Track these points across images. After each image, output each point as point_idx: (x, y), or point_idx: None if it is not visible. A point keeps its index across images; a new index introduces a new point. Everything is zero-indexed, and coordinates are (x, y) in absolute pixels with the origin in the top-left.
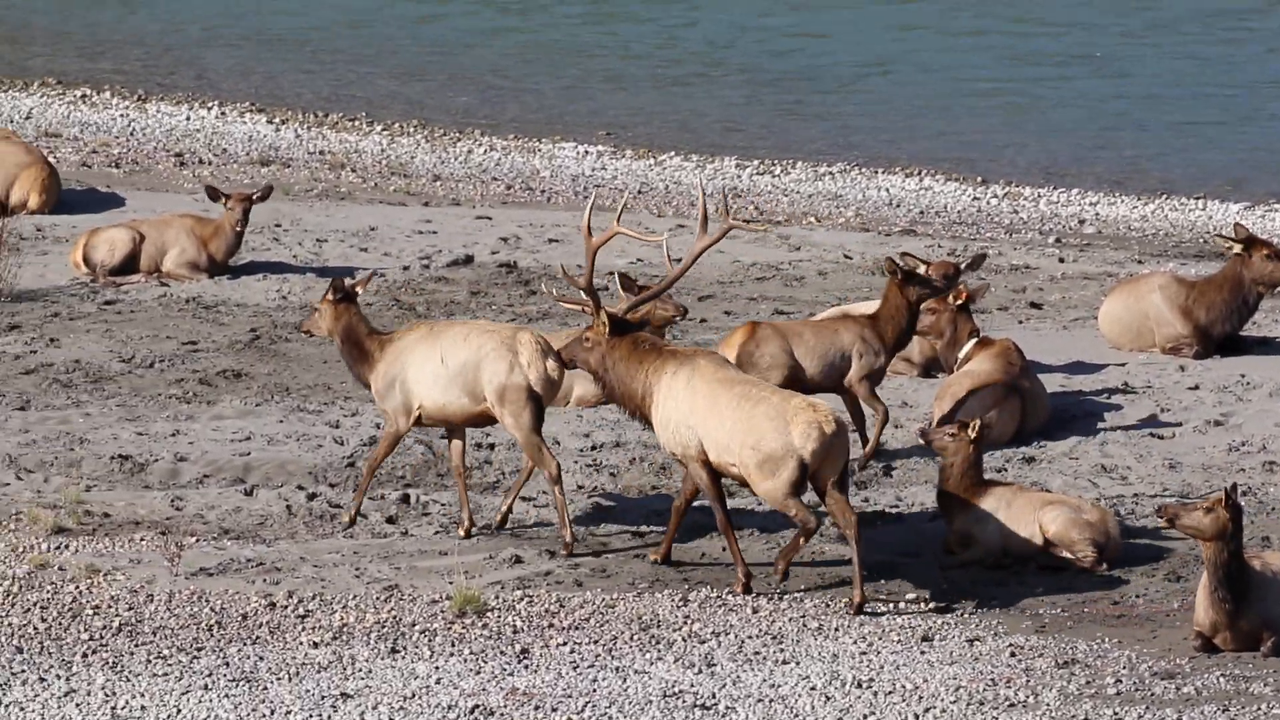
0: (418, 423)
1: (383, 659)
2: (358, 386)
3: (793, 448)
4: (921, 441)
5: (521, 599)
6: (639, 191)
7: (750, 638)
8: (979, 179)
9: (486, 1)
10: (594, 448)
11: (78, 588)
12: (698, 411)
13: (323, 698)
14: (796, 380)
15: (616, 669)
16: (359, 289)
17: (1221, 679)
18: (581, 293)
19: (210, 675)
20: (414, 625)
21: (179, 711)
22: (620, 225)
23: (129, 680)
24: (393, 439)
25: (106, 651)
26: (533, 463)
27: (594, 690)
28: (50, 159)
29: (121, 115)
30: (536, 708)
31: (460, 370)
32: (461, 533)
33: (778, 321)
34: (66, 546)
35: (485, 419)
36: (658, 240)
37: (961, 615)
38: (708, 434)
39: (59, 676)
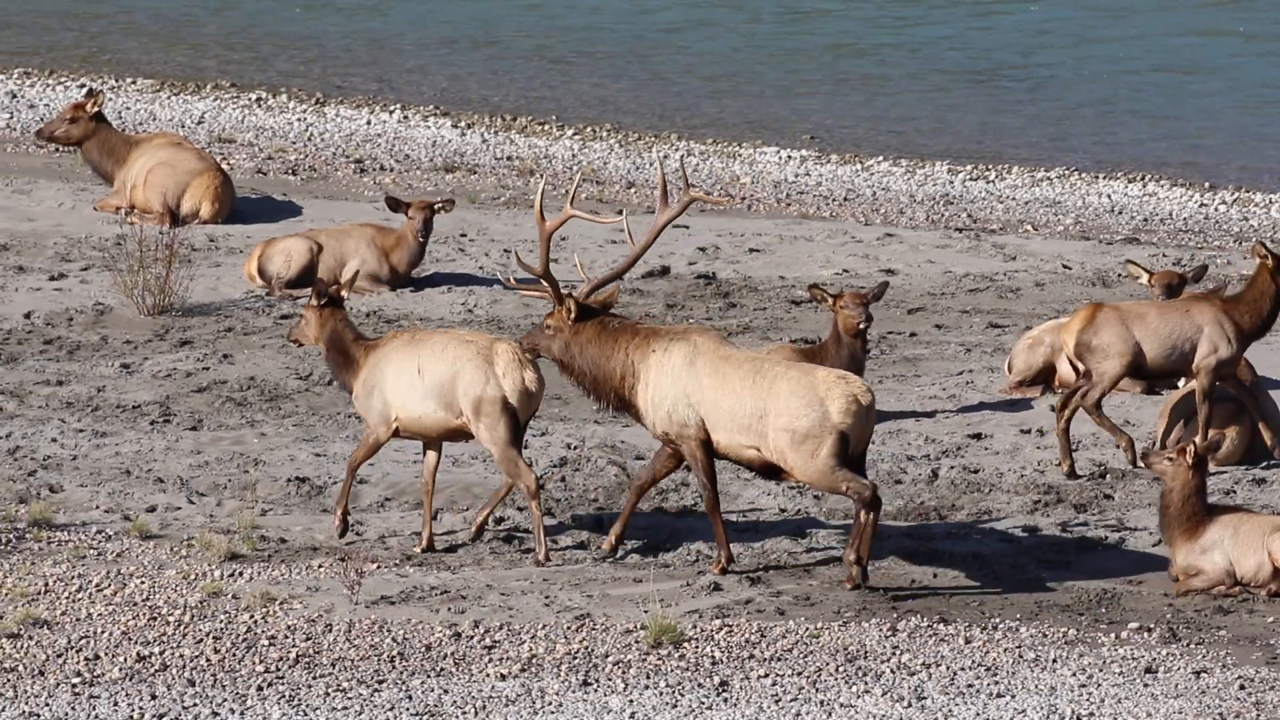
0: (395, 434)
1: (574, 692)
2: (547, 404)
3: (831, 422)
4: (1139, 465)
5: (720, 628)
6: (844, 199)
7: (963, 669)
8: (1206, 184)
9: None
10: None
11: (252, 617)
12: (703, 390)
13: None
14: (1138, 369)
15: (821, 703)
16: (343, 292)
17: None
18: (541, 280)
19: (392, 709)
20: (607, 656)
21: None
22: (573, 208)
23: (306, 715)
24: (372, 446)
25: (283, 684)
26: (509, 477)
27: None
28: (224, 166)
29: (299, 119)
30: None
31: (437, 383)
32: (419, 550)
33: (1121, 303)
34: (240, 574)
35: (462, 434)
36: (615, 222)
37: (1187, 646)
38: (717, 414)
39: (233, 711)
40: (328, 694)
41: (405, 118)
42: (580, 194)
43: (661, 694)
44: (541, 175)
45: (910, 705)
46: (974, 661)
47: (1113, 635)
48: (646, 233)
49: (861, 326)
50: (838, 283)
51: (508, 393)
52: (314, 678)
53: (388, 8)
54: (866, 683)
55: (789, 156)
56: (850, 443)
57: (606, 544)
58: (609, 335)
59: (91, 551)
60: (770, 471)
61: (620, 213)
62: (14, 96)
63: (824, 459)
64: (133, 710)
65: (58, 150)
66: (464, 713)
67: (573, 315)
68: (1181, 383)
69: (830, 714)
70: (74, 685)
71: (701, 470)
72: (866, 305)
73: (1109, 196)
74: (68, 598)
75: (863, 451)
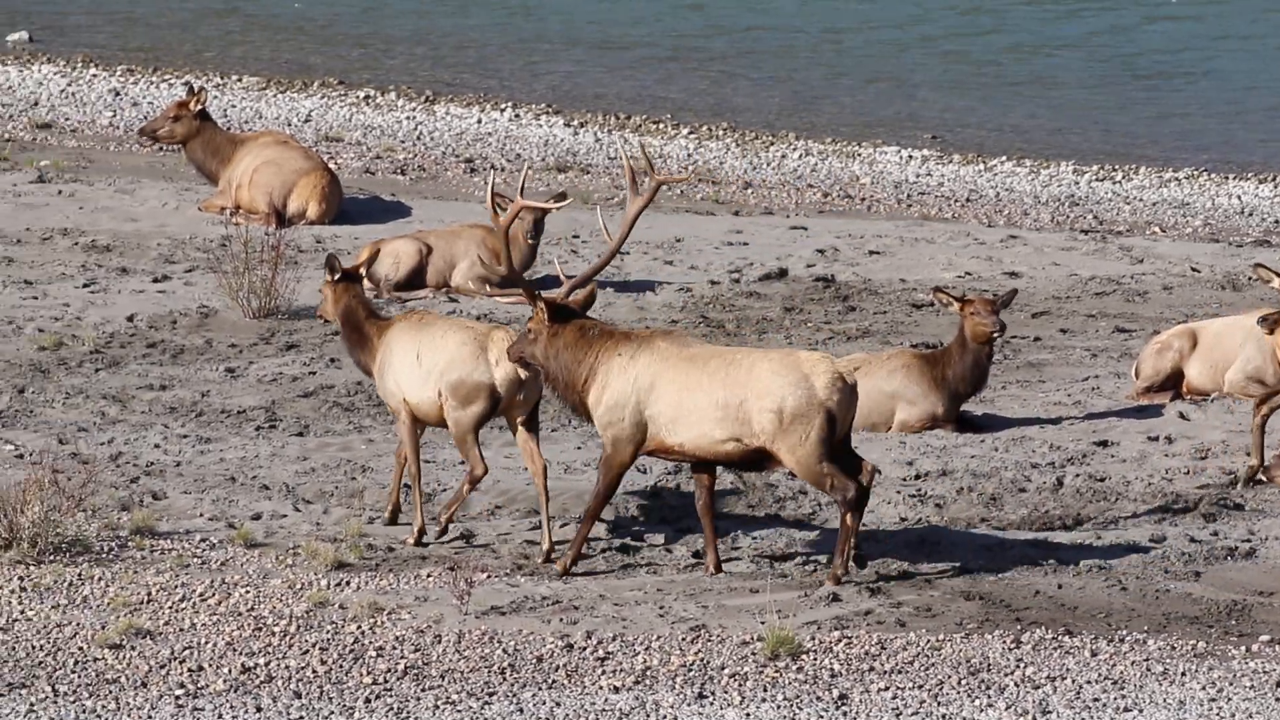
0: (415, 421)
1: (689, 705)
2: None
3: (818, 399)
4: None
5: (839, 640)
6: (966, 200)
7: (1089, 683)
8: None
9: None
10: (918, 476)
11: (359, 628)
12: (665, 397)
13: None
14: None
15: (942, 717)
16: (361, 269)
17: None
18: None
19: None
20: (723, 668)
21: None
22: (523, 198)
23: None
24: (404, 432)
25: (391, 697)
26: (463, 457)
27: None
28: (331, 165)
29: (408, 118)
30: None
31: (431, 369)
32: (410, 540)
33: None
34: (348, 583)
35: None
36: (562, 207)
37: None
38: (683, 415)
39: None
40: (437, 707)
41: (517, 116)
42: (696, 194)
43: (779, 707)
44: (492, 169)
45: None
46: (1100, 675)
47: (1243, 648)
48: (620, 225)
49: (994, 335)
50: (960, 286)
51: (498, 382)
52: (423, 690)
53: (499, 4)
54: (989, 696)
55: (910, 156)
56: (836, 424)
57: (708, 570)
58: (584, 340)
59: (195, 560)
60: (750, 463)
61: (564, 195)
62: (117, 94)
63: (813, 442)
64: None
65: (161, 149)
66: None
67: (547, 317)
68: None
69: None
70: (177, 697)
71: (608, 478)
72: (997, 312)
73: (1239, 197)
74: (171, 607)
75: (847, 433)
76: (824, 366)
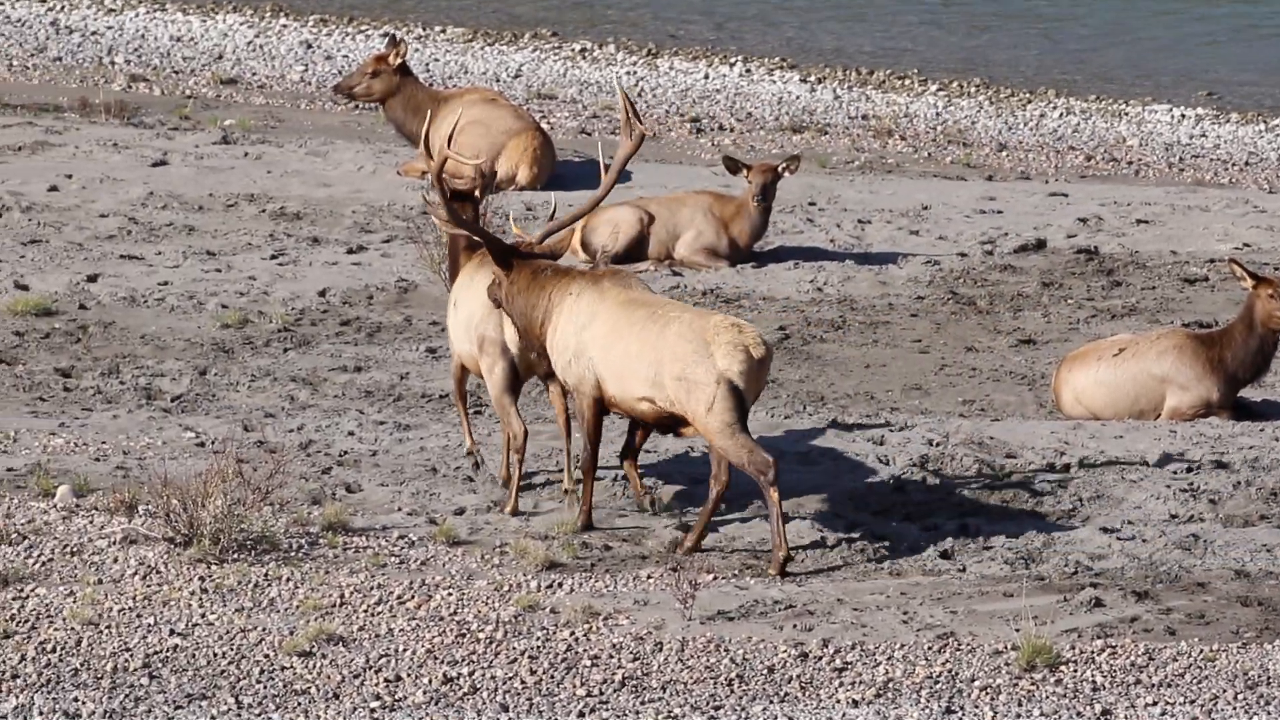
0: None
1: None
2: (906, 396)
3: (718, 369)
4: None
5: (1102, 650)
6: (1245, 163)
7: None
8: None
9: None
10: (1189, 469)
11: (573, 634)
12: (597, 340)
13: None
14: None
15: None
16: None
17: None
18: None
19: None
20: (973, 680)
21: None
22: (450, 150)
23: None
24: (491, 388)
25: (607, 710)
26: (500, 421)
27: None
28: (543, 125)
29: (628, 73)
30: None
31: (465, 321)
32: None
33: None
34: (560, 585)
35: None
36: (482, 163)
37: None
38: (609, 363)
39: None
40: None
41: (748, 71)
42: (945, 158)
43: None
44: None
45: None
46: None
47: None
48: (608, 174)
49: None
50: (1240, 259)
51: (508, 338)
52: (642, 703)
53: None
54: (1270, 712)
55: (1182, 115)
56: (743, 396)
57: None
58: (539, 281)
59: (393, 559)
60: (667, 425)
61: (478, 157)
62: (309, 46)
63: (718, 413)
64: None
65: (357, 107)
66: None
67: (495, 262)
68: None
69: None
70: (372, 710)
71: (588, 431)
72: None
73: None
74: (366, 611)
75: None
76: (727, 336)
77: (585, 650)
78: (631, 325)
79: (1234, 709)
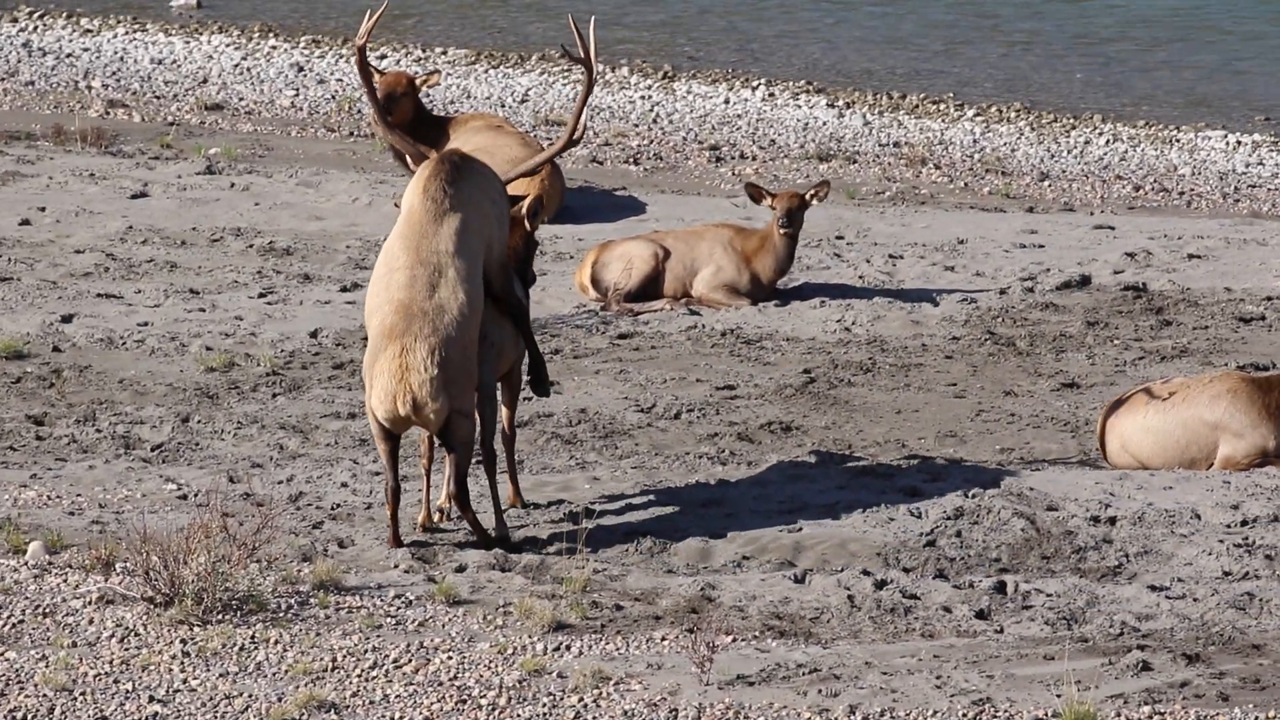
0: None
1: None
2: (940, 443)
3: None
4: None
5: (1150, 717)
6: None
7: None
8: None
9: None
10: (1244, 522)
11: (581, 700)
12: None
13: None
14: None
15: None
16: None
17: None
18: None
19: None
20: None
21: None
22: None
23: None
24: None
25: None
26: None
27: None
28: None
29: (642, 97)
30: None
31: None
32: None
33: None
34: (568, 647)
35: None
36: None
37: None
38: None
39: None
40: None
41: (771, 95)
42: (983, 188)
43: None
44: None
45: None
46: None
47: None
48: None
49: None
50: None
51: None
52: None
53: None
54: None
55: (1238, 142)
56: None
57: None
58: None
59: (388, 620)
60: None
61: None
62: (300, 70)
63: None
64: None
65: (351, 134)
66: None
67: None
68: None
69: None
70: None
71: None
72: None
73: None
74: (360, 676)
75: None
76: (380, 384)
77: (595, 718)
78: None
79: None
